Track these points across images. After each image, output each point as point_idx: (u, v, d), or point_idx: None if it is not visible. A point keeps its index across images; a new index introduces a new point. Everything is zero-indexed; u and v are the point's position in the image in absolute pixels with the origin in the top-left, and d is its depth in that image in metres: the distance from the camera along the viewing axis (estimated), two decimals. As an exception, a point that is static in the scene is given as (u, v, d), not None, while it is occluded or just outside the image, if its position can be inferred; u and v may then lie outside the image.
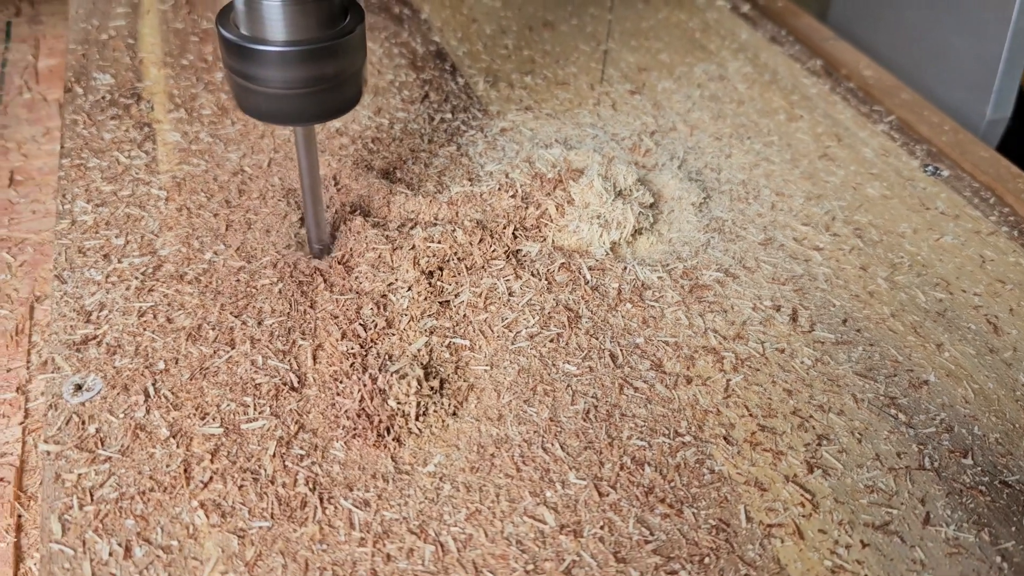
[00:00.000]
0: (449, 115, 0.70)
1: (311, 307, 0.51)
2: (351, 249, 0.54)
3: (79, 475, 0.42)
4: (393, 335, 0.49)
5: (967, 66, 0.92)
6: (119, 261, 0.54)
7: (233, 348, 0.49)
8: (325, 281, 0.53)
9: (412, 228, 0.56)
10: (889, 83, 0.82)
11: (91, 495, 0.41)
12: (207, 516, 0.41)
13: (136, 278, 0.53)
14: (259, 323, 0.50)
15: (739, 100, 0.75)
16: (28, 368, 0.52)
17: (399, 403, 0.45)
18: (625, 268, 0.55)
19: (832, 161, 0.68)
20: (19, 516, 0.44)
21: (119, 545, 0.39)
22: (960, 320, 0.54)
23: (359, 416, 0.45)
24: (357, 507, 0.41)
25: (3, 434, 0.48)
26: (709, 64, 0.80)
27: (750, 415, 0.47)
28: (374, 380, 0.46)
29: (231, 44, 0.45)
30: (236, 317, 0.50)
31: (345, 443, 0.44)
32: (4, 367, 0.52)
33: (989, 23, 0.88)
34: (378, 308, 0.51)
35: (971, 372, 0.51)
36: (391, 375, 0.46)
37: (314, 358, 0.48)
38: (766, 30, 0.87)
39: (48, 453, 0.43)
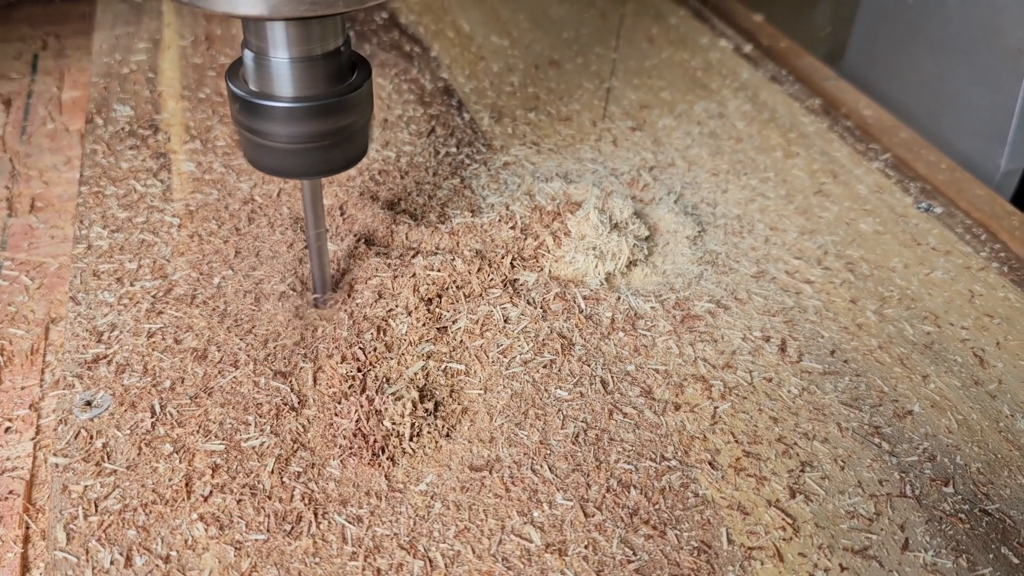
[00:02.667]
0: (454, 149, 0.72)
1: (313, 331, 0.53)
2: (354, 276, 0.56)
3: (85, 487, 0.44)
4: (391, 359, 0.51)
5: (982, 116, 0.92)
6: (131, 284, 0.56)
7: (237, 369, 0.51)
8: (328, 306, 0.55)
9: (414, 257, 0.58)
10: (888, 122, 0.84)
11: (96, 506, 0.43)
12: (206, 528, 0.42)
13: (147, 301, 0.55)
14: (263, 345, 0.52)
15: (737, 137, 0.77)
16: (41, 386, 0.54)
17: (394, 424, 0.47)
18: (619, 298, 0.57)
19: (827, 197, 0.69)
20: (27, 527, 0.45)
21: (120, 554, 0.41)
22: (947, 353, 0.56)
23: (355, 436, 0.46)
24: (350, 523, 0.43)
25: (15, 449, 0.50)
26: (709, 102, 0.82)
27: (736, 441, 0.49)
28: (371, 401, 0.48)
29: (239, 99, 0.45)
30: (241, 339, 0.52)
31: (341, 461, 0.46)
32: (19, 385, 0.54)
33: (1004, 74, 0.89)
34: (378, 333, 0.52)
35: (955, 403, 0.52)
36: (387, 397, 0.48)
37: (314, 380, 0.50)
38: (767, 70, 0.89)
39: (57, 465, 0.45)
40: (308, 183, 0.50)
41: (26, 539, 0.45)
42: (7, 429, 0.50)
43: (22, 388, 0.54)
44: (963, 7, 0.93)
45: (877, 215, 0.68)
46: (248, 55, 0.45)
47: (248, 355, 0.51)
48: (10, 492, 0.47)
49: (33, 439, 0.51)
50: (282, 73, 0.44)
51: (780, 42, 0.99)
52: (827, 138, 0.78)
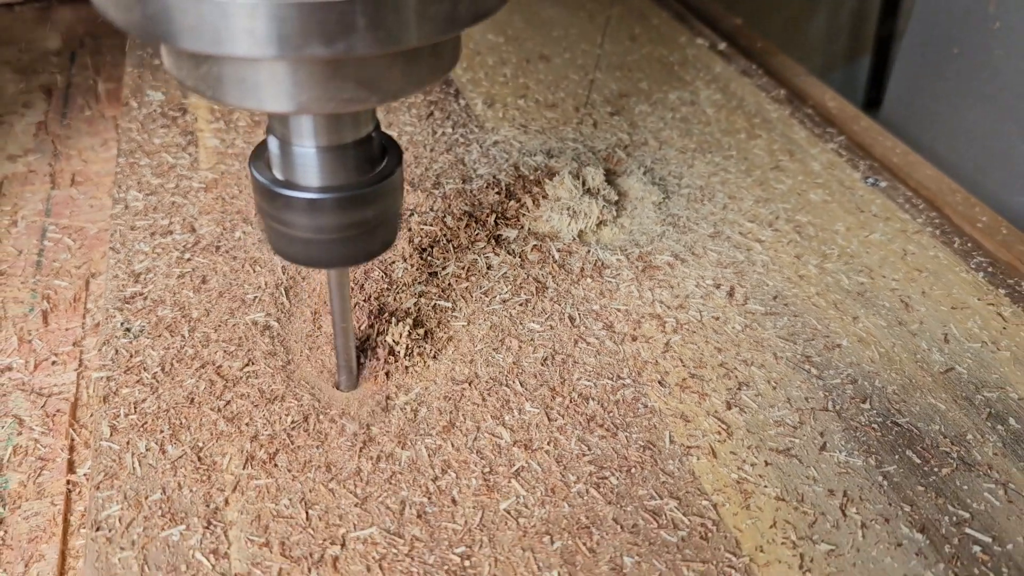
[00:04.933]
0: (450, 130, 0.81)
1: (322, 271, 0.61)
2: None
3: (125, 392, 0.52)
4: (389, 295, 0.59)
5: None
6: (164, 237, 0.64)
7: (256, 302, 0.59)
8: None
9: (411, 216, 0.66)
10: (849, 112, 0.92)
11: (135, 407, 0.51)
12: (227, 425, 0.50)
13: (177, 250, 0.63)
14: (277, 284, 0.60)
15: (706, 122, 0.85)
16: (83, 328, 0.62)
17: (395, 342, 0.54)
18: (589, 251, 0.65)
19: (782, 172, 0.77)
20: (72, 439, 0.53)
21: (155, 444, 0.49)
22: (877, 299, 0.63)
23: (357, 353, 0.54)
24: (349, 422, 0.51)
25: (61, 377, 0.58)
26: (683, 92, 0.90)
27: (683, 366, 0.56)
28: (371, 325, 0.56)
29: (262, 187, 0.43)
30: (260, 279, 0.61)
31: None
32: (63, 327, 0.62)
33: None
34: (379, 275, 0.60)
35: (880, 339, 0.59)
36: (387, 321, 0.56)
37: (320, 312, 0.58)
38: (739, 64, 0.97)
39: (101, 377, 0.53)
40: (335, 272, 0.48)
41: (71, 448, 0.53)
42: (54, 362, 0.58)
43: (66, 329, 0.62)
44: (1012, 59, 0.91)
45: (827, 188, 0.76)
46: (273, 142, 0.42)
47: (265, 291, 0.59)
48: (57, 411, 0.55)
49: (76, 369, 0.59)
50: (308, 163, 0.41)
51: (756, 42, 1.07)
52: (788, 123, 0.86)
